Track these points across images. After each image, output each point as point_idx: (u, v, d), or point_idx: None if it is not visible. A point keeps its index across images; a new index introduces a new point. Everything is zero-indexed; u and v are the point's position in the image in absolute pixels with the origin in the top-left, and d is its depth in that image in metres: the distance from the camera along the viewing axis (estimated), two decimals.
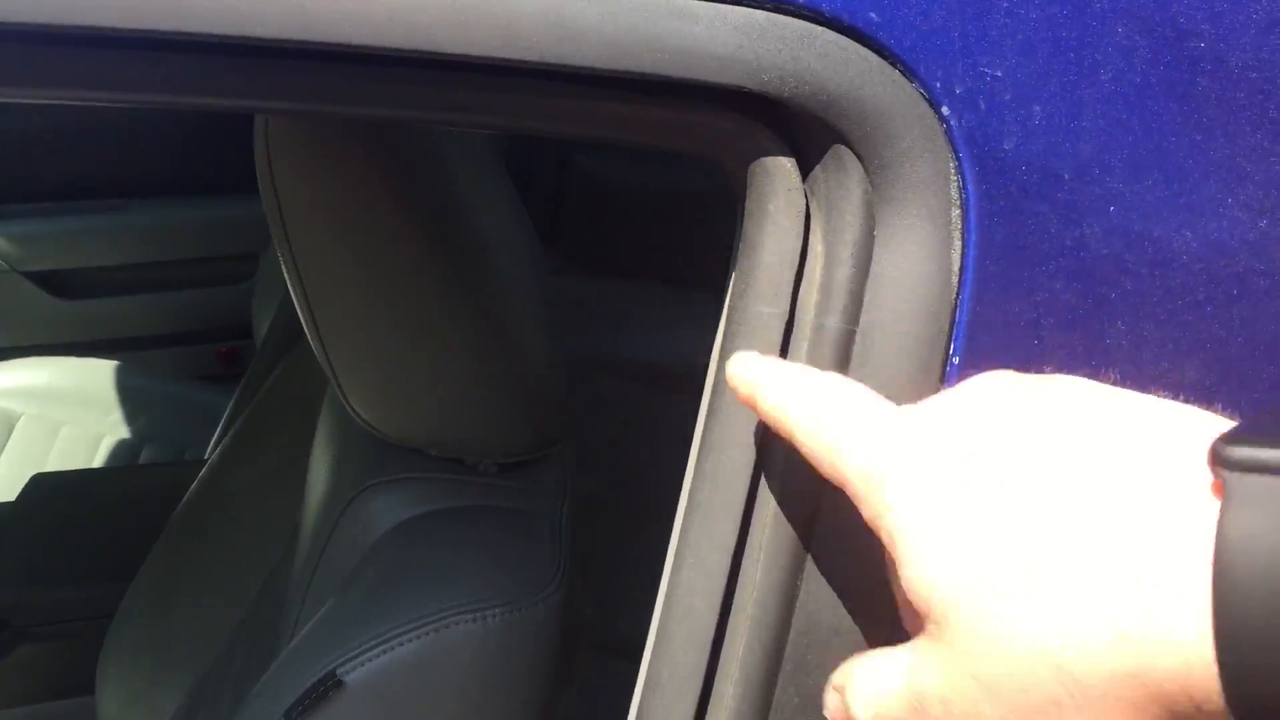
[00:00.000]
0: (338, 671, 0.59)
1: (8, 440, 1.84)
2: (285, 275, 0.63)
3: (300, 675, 0.60)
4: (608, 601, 0.82)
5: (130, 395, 1.96)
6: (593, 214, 1.82)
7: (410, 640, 0.60)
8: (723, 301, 0.43)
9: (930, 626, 0.31)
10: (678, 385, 1.72)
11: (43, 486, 1.37)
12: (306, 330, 0.64)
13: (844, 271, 0.40)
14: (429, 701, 0.60)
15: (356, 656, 0.59)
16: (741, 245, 0.42)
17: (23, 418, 1.88)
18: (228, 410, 1.56)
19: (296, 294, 0.63)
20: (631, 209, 1.91)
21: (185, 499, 1.16)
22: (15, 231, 2.07)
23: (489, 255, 0.62)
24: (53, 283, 2.13)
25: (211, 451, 1.54)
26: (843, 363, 0.40)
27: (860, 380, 0.37)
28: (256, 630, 1.00)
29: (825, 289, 0.40)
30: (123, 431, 1.91)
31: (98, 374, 2.00)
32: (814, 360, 0.40)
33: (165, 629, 1.15)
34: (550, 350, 0.67)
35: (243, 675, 0.98)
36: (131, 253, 2.15)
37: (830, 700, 0.35)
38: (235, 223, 2.13)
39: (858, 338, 0.40)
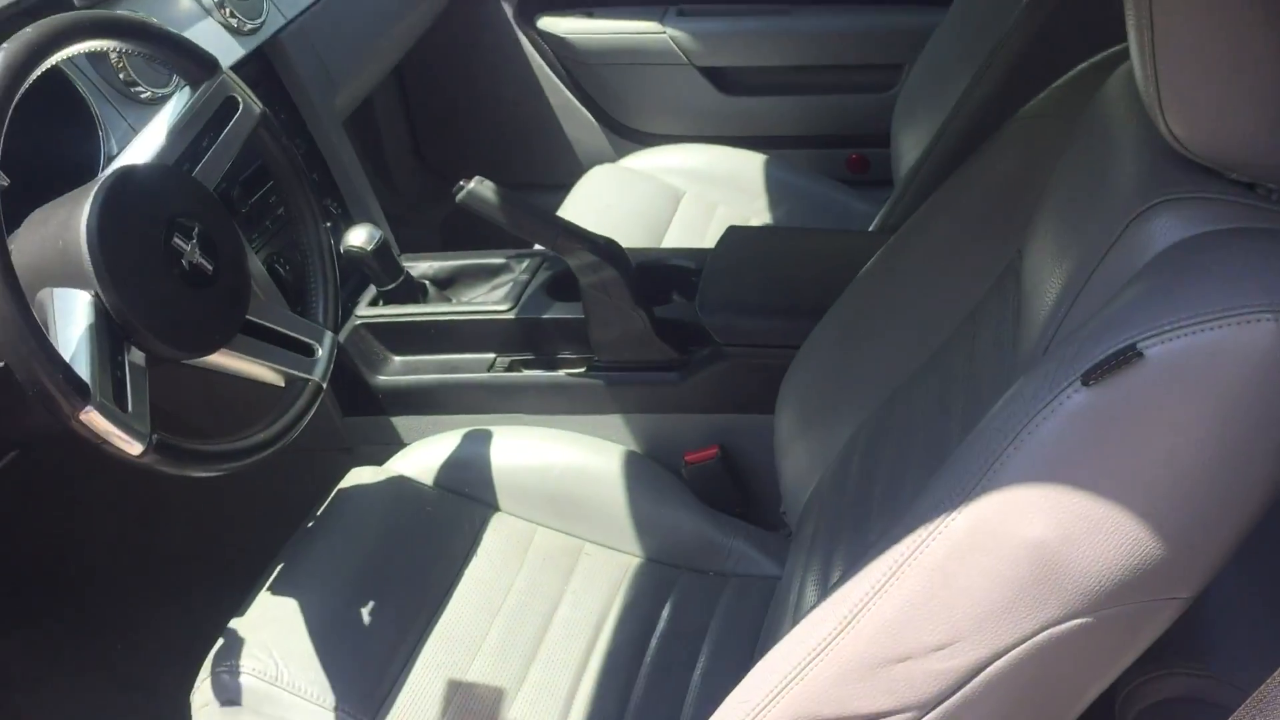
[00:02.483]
0: (1138, 344, 0.67)
1: (675, 211, 2.11)
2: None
3: (1098, 345, 0.68)
4: None
5: (775, 186, 2.16)
6: None
7: (1212, 328, 0.65)
8: None
9: None
10: None
11: (738, 235, 1.58)
12: (1136, 49, 0.70)
13: None
14: (1222, 391, 0.65)
15: (1158, 334, 0.66)
16: None
17: (686, 195, 2.14)
18: (892, 198, 1.68)
19: (1138, 11, 0.68)
20: None
21: (881, 250, 1.29)
22: (696, 29, 2.31)
23: None
24: (719, 78, 2.37)
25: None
26: None
27: None
28: (952, 361, 1.10)
29: None
30: (767, 218, 2.12)
31: (749, 164, 2.21)
32: None
33: (849, 362, 1.30)
34: None
35: (943, 400, 1.09)
36: (788, 55, 2.33)
37: None
38: (889, 31, 2.23)
39: None
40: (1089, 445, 0.69)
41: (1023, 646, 0.73)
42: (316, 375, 1.25)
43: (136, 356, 1.07)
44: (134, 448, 1.01)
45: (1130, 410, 0.68)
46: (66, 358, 0.99)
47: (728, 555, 1.42)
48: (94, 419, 0.98)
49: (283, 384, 1.24)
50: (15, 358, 0.94)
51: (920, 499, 0.77)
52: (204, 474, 1.10)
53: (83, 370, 0.99)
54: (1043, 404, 0.69)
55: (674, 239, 2.03)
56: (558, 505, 1.46)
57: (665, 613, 1.36)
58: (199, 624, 1.33)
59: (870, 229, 1.69)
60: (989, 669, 0.75)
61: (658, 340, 1.47)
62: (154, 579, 1.82)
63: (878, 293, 1.28)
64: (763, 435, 1.39)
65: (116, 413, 1.00)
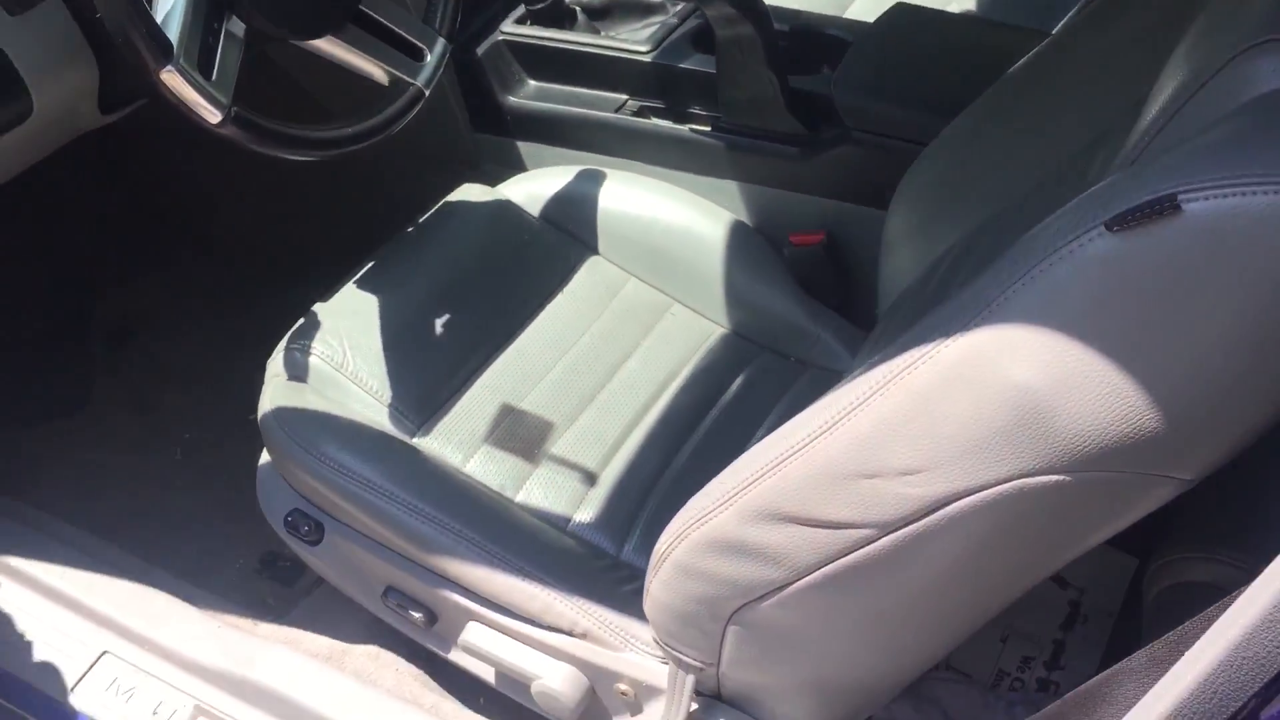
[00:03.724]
0: (1179, 197, 0.59)
1: None
2: None
3: (1136, 191, 0.61)
4: None
5: None
6: None
7: (1270, 193, 0.57)
8: None
9: None
10: None
11: (901, 15, 1.46)
12: None
13: None
14: (1261, 266, 0.57)
15: (1204, 190, 0.58)
16: None
17: None
18: None
19: None
20: None
21: (1033, 52, 1.18)
22: None
23: None
24: None
25: None
26: None
27: None
28: (1059, 189, 1.01)
29: None
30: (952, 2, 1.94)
31: None
32: None
33: (970, 169, 1.21)
34: None
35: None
36: None
37: None
38: None
39: None
40: (1100, 296, 0.62)
41: (992, 490, 0.69)
42: (420, 80, 1.24)
43: (236, 26, 1.07)
44: (213, 116, 1.03)
45: (1153, 267, 0.60)
46: (161, 16, 1.00)
47: (813, 344, 1.39)
48: (174, 81, 1.00)
49: (386, 83, 1.24)
50: (107, 7, 0.96)
51: (924, 320, 0.72)
52: (286, 155, 1.12)
53: (173, 31, 1.00)
54: (1062, 243, 0.63)
55: (859, 10, 1.90)
56: (655, 260, 1.44)
57: (734, 386, 1.35)
58: (308, 299, 1.38)
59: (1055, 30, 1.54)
60: (954, 505, 0.71)
61: (786, 111, 1.40)
62: (276, 250, 1.91)
63: (1015, 99, 1.17)
64: (873, 230, 1.32)
65: (197, 79, 1.01)
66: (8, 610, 1.29)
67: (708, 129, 1.47)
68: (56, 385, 1.80)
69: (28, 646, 1.26)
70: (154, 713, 1.22)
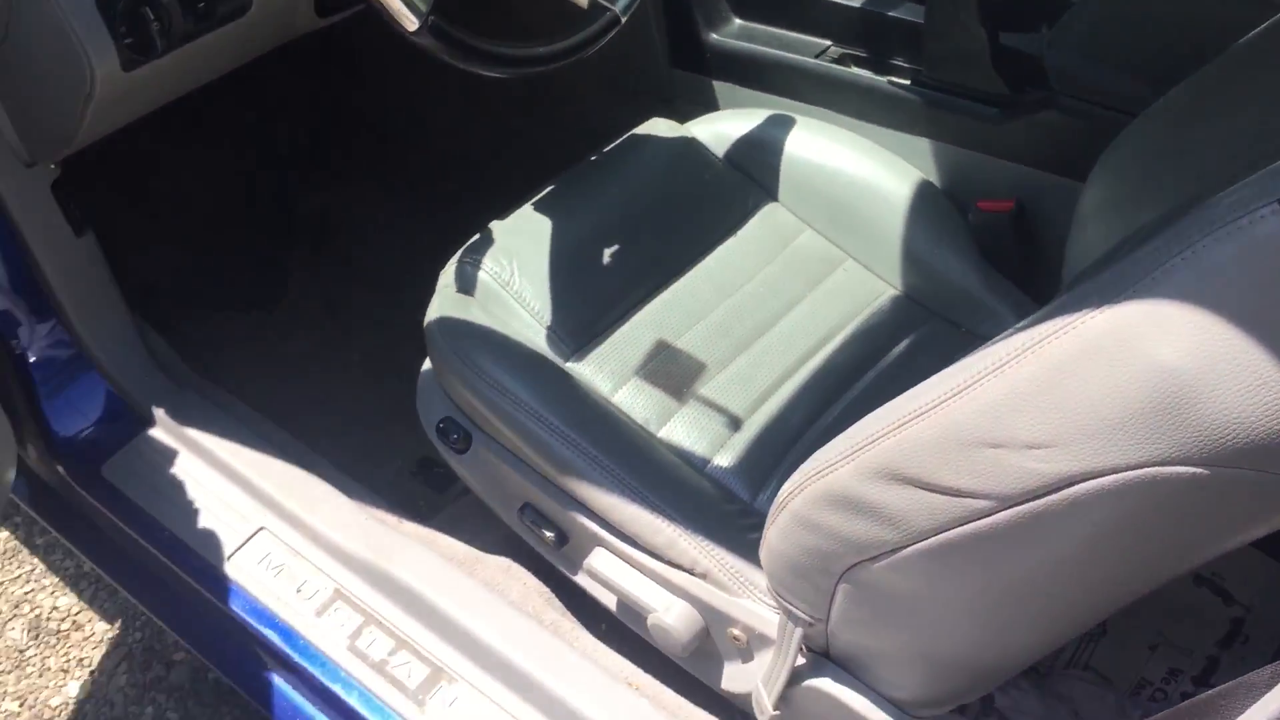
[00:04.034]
0: None
1: None
2: None
3: None
4: None
5: None
6: None
7: None
8: None
9: None
10: None
11: None
12: None
13: None
14: None
15: None
16: None
17: None
18: None
19: None
20: None
21: (1264, 26, 1.09)
22: None
23: None
24: None
25: None
26: None
27: None
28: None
29: None
30: None
31: None
32: None
33: (1178, 145, 1.13)
34: None
35: None
36: None
37: None
38: None
39: None
40: (1264, 279, 0.57)
41: (1122, 475, 0.65)
42: (618, 6, 1.23)
43: None
44: (410, 23, 1.06)
45: None
46: None
47: (987, 317, 1.33)
48: None
49: (585, 6, 1.24)
50: None
51: (1076, 290, 0.68)
52: (476, 69, 1.14)
53: None
54: (1230, 219, 0.58)
55: None
56: (835, 213, 1.41)
57: (897, 350, 1.31)
58: (490, 215, 1.41)
59: None
60: (1080, 486, 0.67)
61: (991, 68, 1.33)
62: (468, 166, 1.95)
63: (1238, 75, 1.09)
64: (1067, 202, 1.25)
65: None
66: (182, 478, 1.38)
67: (907, 82, 1.42)
68: (259, 277, 1.91)
69: (195, 513, 1.35)
70: (298, 590, 1.28)
